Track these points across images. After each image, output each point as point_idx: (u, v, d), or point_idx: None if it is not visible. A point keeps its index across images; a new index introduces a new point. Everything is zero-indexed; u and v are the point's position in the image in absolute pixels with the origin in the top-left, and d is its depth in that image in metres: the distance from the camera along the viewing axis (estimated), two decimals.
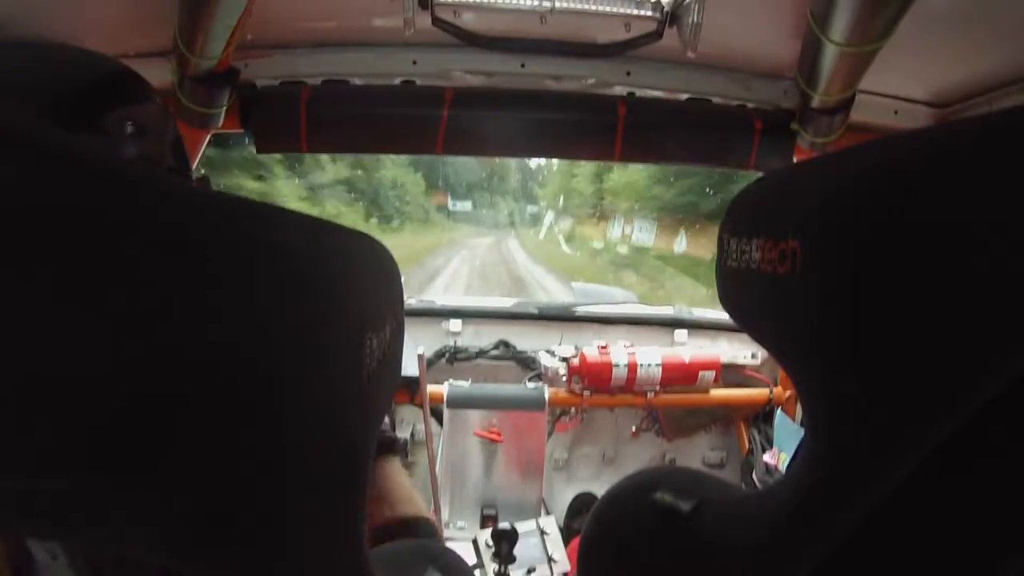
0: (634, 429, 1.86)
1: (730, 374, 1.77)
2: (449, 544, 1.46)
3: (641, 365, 1.65)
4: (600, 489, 1.86)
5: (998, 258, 0.24)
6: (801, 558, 0.33)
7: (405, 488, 0.73)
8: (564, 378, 1.68)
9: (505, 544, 1.28)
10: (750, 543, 0.37)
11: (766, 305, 0.40)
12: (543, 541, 1.42)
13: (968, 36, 0.93)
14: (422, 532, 0.70)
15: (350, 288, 0.30)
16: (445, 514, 1.55)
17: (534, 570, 1.36)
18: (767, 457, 1.66)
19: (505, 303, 2.00)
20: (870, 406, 0.30)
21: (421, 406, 1.42)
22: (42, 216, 0.17)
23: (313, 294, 0.26)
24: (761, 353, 1.79)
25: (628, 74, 1.17)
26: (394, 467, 0.73)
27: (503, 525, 1.29)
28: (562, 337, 1.81)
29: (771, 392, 1.72)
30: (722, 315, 1.78)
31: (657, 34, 1.06)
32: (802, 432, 1.59)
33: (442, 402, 1.58)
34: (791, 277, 0.35)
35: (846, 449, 0.32)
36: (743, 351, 1.80)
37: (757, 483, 1.67)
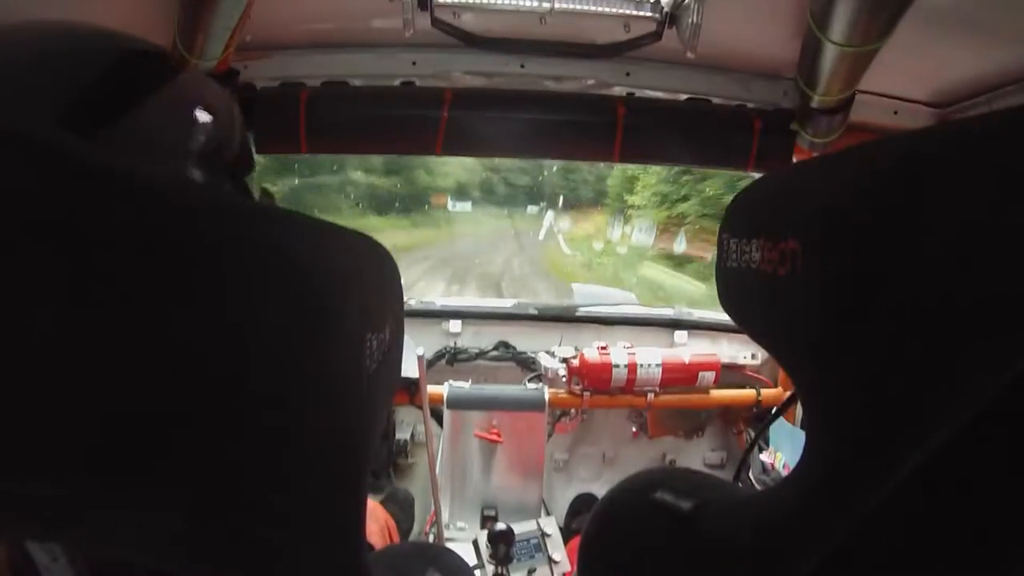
0: (634, 429, 1.86)
1: (730, 374, 1.77)
2: (449, 544, 1.46)
3: (641, 366, 1.65)
4: (600, 490, 1.86)
5: (998, 258, 0.24)
6: (802, 558, 0.33)
7: (380, 520, 0.72)
8: (564, 379, 1.68)
9: (502, 545, 1.28)
10: (751, 543, 0.37)
11: (766, 305, 0.40)
12: (543, 541, 1.41)
13: (967, 36, 0.93)
14: None
15: (350, 289, 0.30)
16: (445, 515, 1.55)
17: (534, 571, 1.36)
18: (764, 457, 1.66)
19: (505, 304, 2.00)
20: (870, 406, 0.30)
21: (421, 407, 1.42)
22: (40, 220, 0.17)
23: (313, 295, 0.26)
24: (761, 353, 1.79)
25: (628, 75, 1.17)
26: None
27: (499, 526, 1.29)
28: (562, 338, 1.81)
29: (758, 395, 1.73)
30: (722, 316, 1.79)
31: (657, 35, 1.06)
32: (797, 432, 1.59)
33: (442, 403, 1.58)
34: (791, 277, 0.35)
35: (847, 449, 0.32)
36: (743, 352, 1.80)
37: (753, 482, 1.67)
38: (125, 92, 0.33)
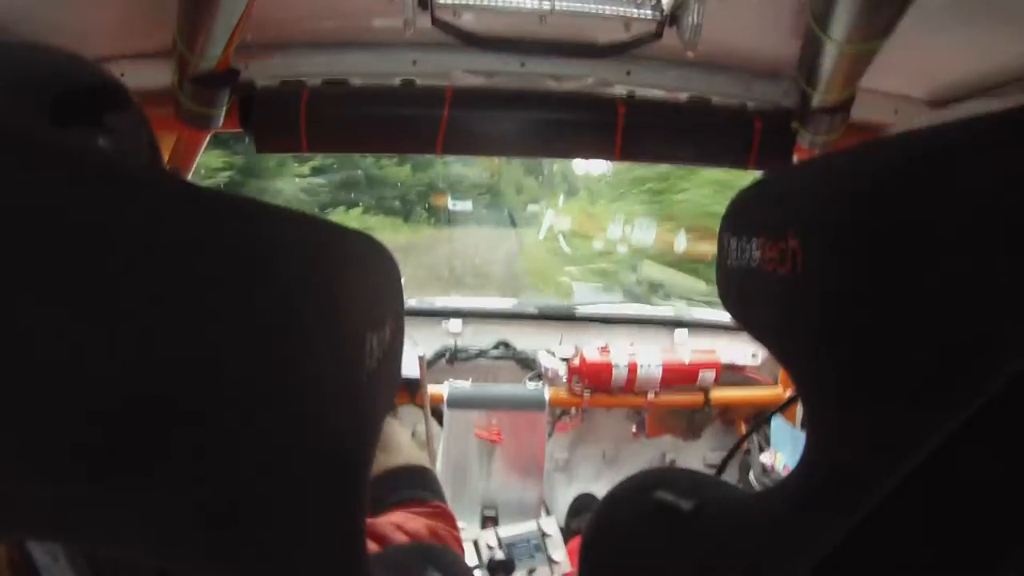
0: (634, 429, 1.86)
1: (731, 374, 1.77)
2: None
3: (641, 365, 1.65)
4: (601, 490, 1.86)
5: (998, 257, 0.24)
6: (802, 558, 0.33)
7: (402, 437, 0.75)
8: (564, 378, 1.67)
9: (502, 574, 1.29)
10: (751, 543, 0.37)
11: (766, 305, 0.39)
12: (543, 542, 1.42)
13: (968, 35, 0.93)
14: (418, 481, 0.71)
15: (350, 287, 0.30)
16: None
17: (534, 571, 1.36)
18: (764, 457, 1.66)
19: (505, 303, 2.00)
20: (871, 406, 0.30)
21: (422, 407, 1.42)
22: (35, 217, 0.17)
23: (313, 293, 0.26)
24: (762, 353, 1.79)
25: (628, 74, 1.17)
26: (388, 421, 0.75)
27: (499, 555, 1.29)
28: (562, 337, 1.81)
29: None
30: (722, 315, 1.79)
31: (657, 34, 1.06)
32: (797, 433, 1.59)
33: (442, 402, 1.58)
34: (791, 276, 0.35)
35: (847, 449, 0.32)
36: (743, 351, 1.80)
37: (753, 483, 1.67)
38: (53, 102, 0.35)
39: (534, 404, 1.60)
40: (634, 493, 0.47)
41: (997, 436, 0.28)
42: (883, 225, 0.29)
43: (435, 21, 1.03)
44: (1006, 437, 0.28)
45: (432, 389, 1.54)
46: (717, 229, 0.46)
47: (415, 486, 0.70)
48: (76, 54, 0.40)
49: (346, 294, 0.30)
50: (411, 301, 1.90)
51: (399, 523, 0.58)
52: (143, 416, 0.19)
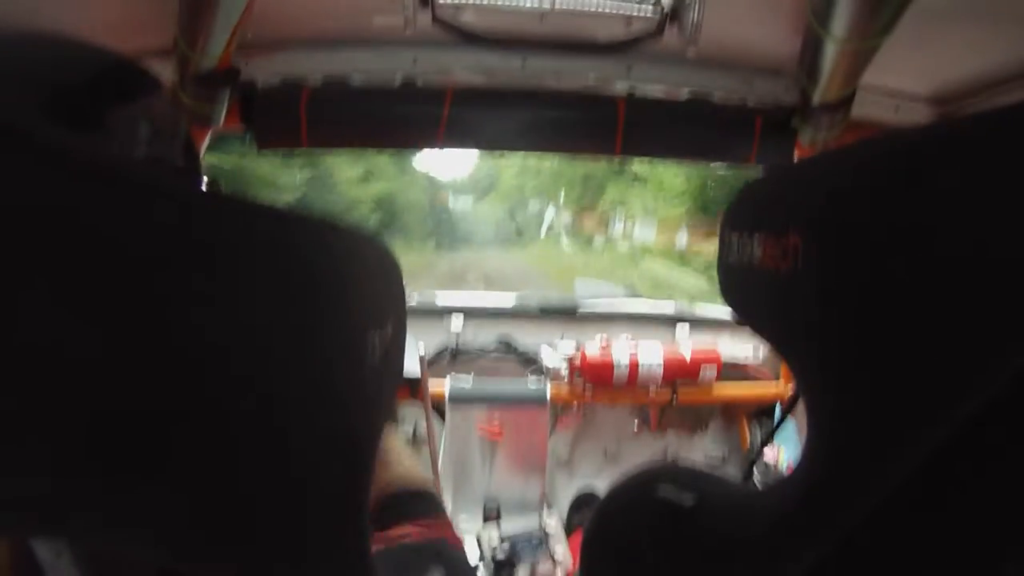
0: (636, 425, 1.86)
1: (732, 370, 1.77)
2: None
3: (642, 363, 1.65)
4: (602, 486, 1.86)
5: (999, 255, 0.24)
6: (802, 555, 0.33)
7: (399, 455, 0.72)
8: (566, 375, 1.67)
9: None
10: (752, 539, 0.37)
11: (767, 301, 0.40)
12: (546, 538, 1.42)
13: (969, 32, 0.93)
14: (421, 505, 0.68)
15: (352, 285, 0.30)
16: (448, 511, 1.56)
17: (537, 566, 1.36)
18: (767, 454, 1.66)
19: (507, 300, 1.99)
20: (871, 403, 0.30)
21: (423, 404, 1.42)
22: (40, 218, 0.17)
23: (315, 292, 0.26)
24: (763, 349, 1.79)
25: (629, 72, 1.17)
26: (389, 435, 0.72)
27: (501, 554, 1.30)
28: (563, 334, 1.81)
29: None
30: (724, 311, 1.78)
31: (658, 32, 1.06)
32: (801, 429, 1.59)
33: (444, 399, 1.58)
34: (792, 273, 0.35)
35: (847, 446, 0.32)
36: (745, 347, 1.80)
37: (755, 479, 1.67)
38: (85, 97, 0.35)
39: (536, 400, 1.61)
40: (635, 489, 0.47)
41: (998, 434, 0.28)
42: (884, 222, 0.29)
43: (436, 19, 1.03)
44: (1007, 436, 0.28)
45: (434, 386, 1.54)
46: None
47: (419, 510, 0.65)
48: (99, 45, 0.40)
49: (348, 292, 0.30)
50: (412, 298, 1.90)
51: (407, 533, 0.57)
52: (146, 414, 0.19)
